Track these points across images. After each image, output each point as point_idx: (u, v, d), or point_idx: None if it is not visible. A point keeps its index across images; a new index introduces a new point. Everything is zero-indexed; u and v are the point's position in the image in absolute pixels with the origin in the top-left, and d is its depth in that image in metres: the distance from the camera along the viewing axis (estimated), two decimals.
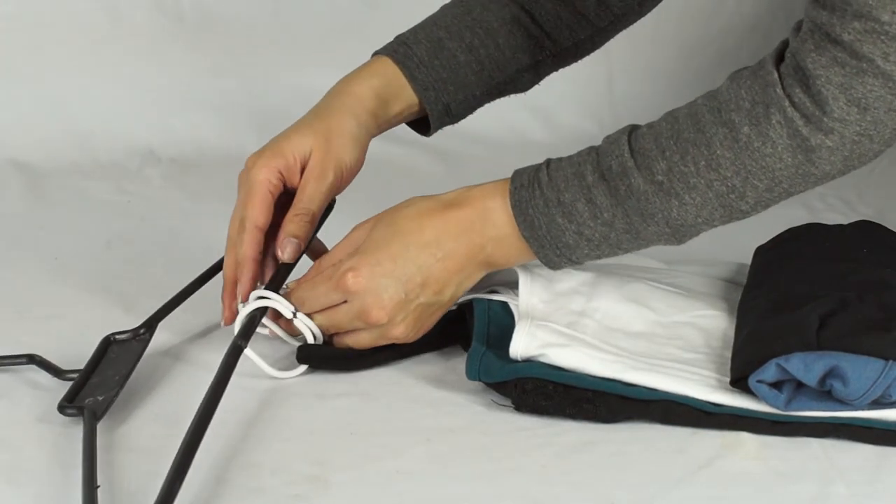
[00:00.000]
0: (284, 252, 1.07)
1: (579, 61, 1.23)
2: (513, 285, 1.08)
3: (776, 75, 0.95)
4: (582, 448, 0.95)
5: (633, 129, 1.00)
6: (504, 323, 1.05)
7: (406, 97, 1.15)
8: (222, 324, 1.08)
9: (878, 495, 0.90)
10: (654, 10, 1.23)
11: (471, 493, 0.89)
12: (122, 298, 1.20)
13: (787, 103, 0.94)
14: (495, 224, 1.02)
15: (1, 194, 1.50)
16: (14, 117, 1.63)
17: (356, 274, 1.02)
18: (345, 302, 1.03)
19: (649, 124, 1.00)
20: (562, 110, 1.64)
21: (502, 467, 0.92)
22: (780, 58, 0.96)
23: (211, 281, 1.16)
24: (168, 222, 1.43)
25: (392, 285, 1.02)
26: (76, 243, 1.35)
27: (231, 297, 1.07)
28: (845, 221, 1.17)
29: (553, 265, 1.02)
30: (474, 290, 1.07)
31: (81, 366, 1.03)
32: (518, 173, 1.03)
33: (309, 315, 1.05)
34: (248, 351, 1.02)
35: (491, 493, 0.89)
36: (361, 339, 1.05)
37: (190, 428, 0.89)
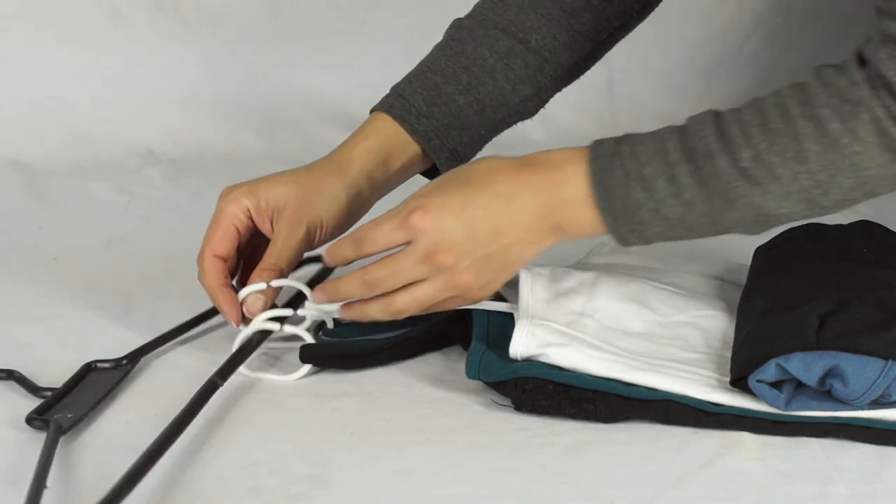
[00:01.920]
0: (250, 307, 1.06)
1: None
2: (512, 285, 1.08)
3: (862, 75, 0.94)
4: (582, 448, 0.95)
5: (716, 114, 0.98)
6: (504, 323, 1.05)
7: (408, 150, 1.13)
8: (233, 325, 1.07)
9: (878, 495, 0.90)
10: (655, 10, 1.23)
11: (471, 493, 0.89)
12: (122, 298, 1.20)
13: (875, 103, 0.94)
14: (572, 188, 0.99)
15: (1, 194, 1.50)
16: (14, 117, 1.63)
17: (424, 212, 0.98)
18: (407, 245, 0.99)
19: (732, 110, 0.98)
20: (562, 110, 1.64)
21: (502, 467, 0.92)
22: (861, 61, 0.95)
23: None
24: (168, 222, 1.43)
25: (460, 227, 0.98)
26: (76, 243, 1.35)
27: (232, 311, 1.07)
28: (845, 221, 1.17)
29: (623, 241, 1.00)
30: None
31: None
32: (598, 142, 1.00)
33: (363, 267, 1.00)
34: (245, 369, 1.03)
35: (491, 493, 0.89)
36: (423, 292, 1.00)
37: (144, 452, 0.88)
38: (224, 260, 1.08)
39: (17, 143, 1.60)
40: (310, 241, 1.09)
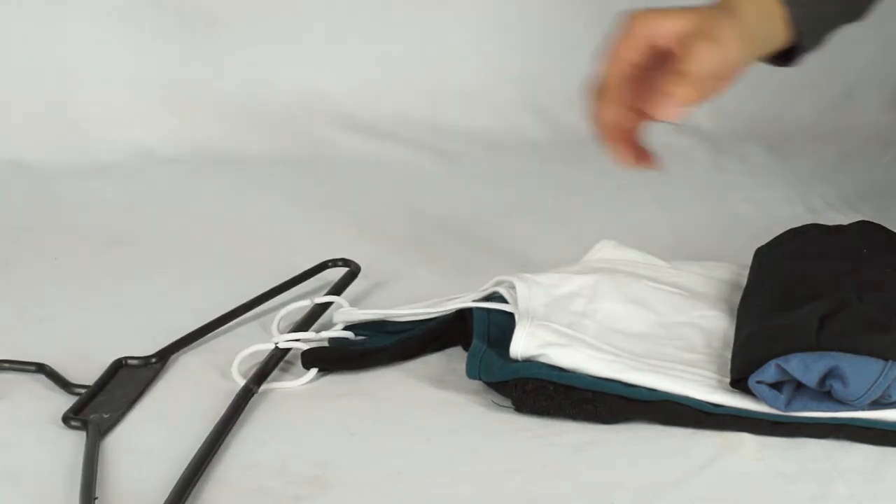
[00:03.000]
0: (656, 109, 0.94)
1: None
2: (512, 289, 1.08)
3: None
4: (582, 448, 0.95)
5: None
6: (504, 324, 1.05)
7: (778, 16, 1.03)
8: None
9: (878, 495, 0.90)
10: None
11: (471, 494, 0.89)
12: (122, 299, 1.20)
13: None
14: None
15: (1, 194, 1.50)
16: (14, 117, 1.63)
17: None
18: None
19: None
20: (562, 110, 1.64)
21: (502, 468, 0.92)
22: None
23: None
24: (168, 222, 1.43)
25: None
26: (76, 243, 1.35)
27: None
28: (845, 221, 1.17)
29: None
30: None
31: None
32: None
33: None
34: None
35: (491, 493, 0.89)
36: None
37: (186, 469, 0.89)
38: (628, 64, 0.99)
39: (17, 143, 1.60)
40: (733, 56, 0.98)
